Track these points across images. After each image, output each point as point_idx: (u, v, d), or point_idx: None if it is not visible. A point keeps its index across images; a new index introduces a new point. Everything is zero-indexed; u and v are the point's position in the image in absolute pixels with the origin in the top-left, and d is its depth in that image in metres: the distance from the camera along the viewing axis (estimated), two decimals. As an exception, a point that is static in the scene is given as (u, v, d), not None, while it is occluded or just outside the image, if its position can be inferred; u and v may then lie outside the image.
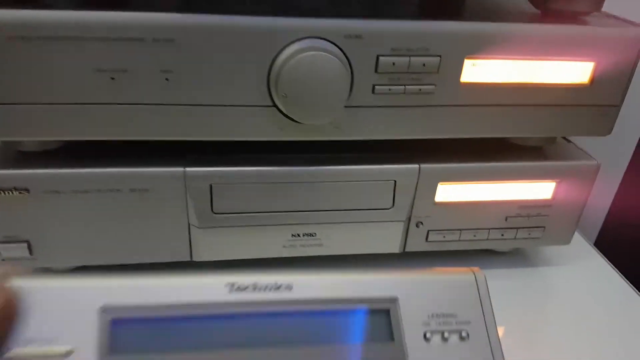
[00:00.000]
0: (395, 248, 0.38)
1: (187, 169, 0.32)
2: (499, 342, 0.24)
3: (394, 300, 0.23)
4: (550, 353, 0.35)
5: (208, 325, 0.21)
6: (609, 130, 0.35)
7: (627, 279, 0.42)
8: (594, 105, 0.34)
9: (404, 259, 0.39)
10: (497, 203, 0.38)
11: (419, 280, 0.24)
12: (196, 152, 0.34)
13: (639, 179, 0.56)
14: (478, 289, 0.24)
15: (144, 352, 0.20)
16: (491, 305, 0.24)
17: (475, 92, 0.32)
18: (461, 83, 0.32)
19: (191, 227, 0.34)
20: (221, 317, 0.21)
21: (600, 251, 0.46)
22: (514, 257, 0.44)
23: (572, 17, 0.33)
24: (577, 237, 0.42)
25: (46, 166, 0.32)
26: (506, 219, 0.38)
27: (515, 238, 0.39)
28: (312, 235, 0.36)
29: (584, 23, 0.32)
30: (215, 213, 0.34)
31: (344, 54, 0.29)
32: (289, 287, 0.22)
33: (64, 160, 0.32)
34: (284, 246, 0.36)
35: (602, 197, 0.58)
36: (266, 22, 0.28)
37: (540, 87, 0.33)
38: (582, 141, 0.40)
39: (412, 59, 0.30)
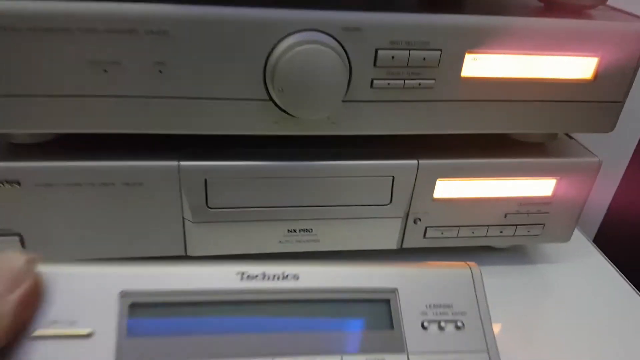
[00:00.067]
0: (392, 244, 0.38)
1: (182, 162, 0.32)
2: (493, 332, 0.25)
3: (393, 291, 0.24)
4: (549, 350, 0.35)
5: (220, 310, 0.22)
6: (611, 127, 0.35)
7: (626, 277, 0.42)
8: (597, 102, 0.33)
9: (401, 255, 0.38)
10: (497, 200, 0.37)
11: (417, 273, 0.25)
12: (191, 145, 0.33)
13: (640, 175, 0.55)
14: (474, 282, 0.26)
15: (160, 335, 0.21)
16: (486, 298, 0.25)
17: (476, 87, 0.31)
18: (462, 78, 0.31)
19: (185, 221, 0.34)
20: (233, 304, 0.23)
21: (599, 248, 0.46)
22: (513, 253, 0.43)
23: (577, 11, 0.33)
24: (576, 233, 0.42)
25: (38, 159, 0.31)
26: (505, 216, 0.38)
27: (514, 235, 0.39)
28: (309, 231, 0.36)
29: (589, 17, 0.32)
30: (210, 208, 0.34)
31: (342, 47, 0.29)
32: (296, 277, 0.23)
33: (56, 152, 0.32)
34: (280, 242, 0.36)
35: (602, 194, 0.58)
36: (262, 13, 0.27)
37: (542, 82, 0.32)
38: (582, 137, 0.40)
39: (412, 52, 0.29)
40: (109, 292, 0.21)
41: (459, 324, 0.24)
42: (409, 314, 0.24)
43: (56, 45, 0.27)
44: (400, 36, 0.29)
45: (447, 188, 0.36)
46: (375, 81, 0.30)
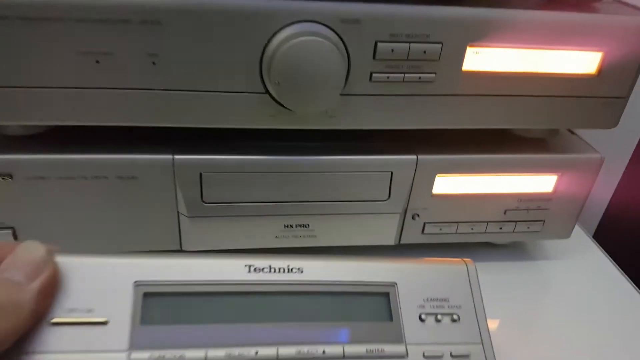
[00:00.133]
0: (390, 240, 0.37)
1: (176, 156, 0.31)
2: (487, 325, 0.26)
3: (393, 285, 0.25)
4: (548, 346, 0.35)
5: (229, 300, 0.23)
6: (615, 123, 0.34)
7: (625, 272, 0.42)
8: (601, 97, 0.33)
9: (399, 251, 0.38)
10: (497, 196, 0.37)
11: (416, 268, 0.26)
12: (186, 139, 0.33)
13: (642, 171, 0.55)
14: (469, 278, 0.27)
15: (172, 324, 0.22)
16: (480, 293, 0.27)
17: (478, 81, 0.31)
18: (463, 72, 0.30)
19: (180, 216, 0.34)
20: (240, 294, 0.24)
21: (599, 243, 0.45)
22: (512, 249, 0.43)
23: (581, 4, 0.32)
24: (576, 229, 0.41)
25: (30, 151, 0.31)
26: (505, 212, 0.37)
27: (513, 232, 0.38)
28: (306, 227, 0.35)
29: (593, 10, 0.31)
30: (205, 202, 0.33)
31: (341, 39, 0.28)
32: (300, 270, 0.25)
33: (49, 145, 0.31)
34: (277, 237, 0.35)
35: (602, 189, 0.57)
36: (258, 3, 0.27)
37: (545, 77, 0.31)
38: (583, 133, 0.39)
39: (412, 45, 0.29)
40: (123, 282, 0.22)
41: (455, 316, 0.26)
42: (408, 307, 0.25)
43: (47, 35, 0.26)
44: (400, 28, 0.28)
45: (446, 184, 0.35)
46: (374, 74, 0.29)
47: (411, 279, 0.26)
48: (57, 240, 0.32)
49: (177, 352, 0.22)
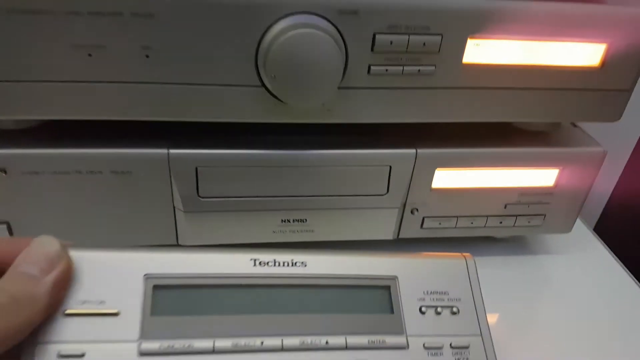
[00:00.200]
0: (389, 235, 0.37)
1: (171, 150, 0.31)
2: (486, 317, 0.27)
3: (394, 279, 0.26)
4: (548, 340, 0.34)
5: (235, 293, 0.24)
6: (618, 116, 0.34)
7: (626, 266, 0.42)
8: (604, 90, 0.32)
9: (397, 245, 0.38)
10: (497, 190, 0.36)
11: (416, 262, 0.27)
12: (181, 133, 0.32)
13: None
14: (468, 272, 0.27)
15: (180, 315, 0.23)
16: (479, 286, 0.27)
17: (478, 74, 0.30)
18: (463, 64, 0.30)
19: (176, 211, 0.33)
20: (246, 287, 0.24)
21: (600, 236, 0.45)
22: (512, 243, 0.43)
23: (584, -6, 0.31)
24: (577, 222, 0.41)
25: (24, 146, 0.30)
26: (505, 207, 0.37)
27: (514, 226, 0.38)
28: (303, 221, 0.35)
29: (597, 1, 0.30)
30: (201, 197, 0.33)
31: (338, 31, 0.27)
32: (304, 264, 0.25)
33: (43, 139, 0.31)
34: (274, 232, 0.35)
35: (604, 183, 0.57)
36: (253, -5, 0.26)
37: (547, 69, 0.31)
38: (584, 125, 0.39)
39: (412, 37, 0.28)
40: (134, 275, 0.23)
41: (455, 309, 0.26)
42: (408, 300, 0.26)
43: (38, 28, 0.26)
44: (399, 20, 0.28)
45: (446, 178, 0.35)
46: (372, 67, 0.29)
47: (412, 272, 0.26)
48: (51, 234, 0.33)
49: (186, 342, 0.22)
